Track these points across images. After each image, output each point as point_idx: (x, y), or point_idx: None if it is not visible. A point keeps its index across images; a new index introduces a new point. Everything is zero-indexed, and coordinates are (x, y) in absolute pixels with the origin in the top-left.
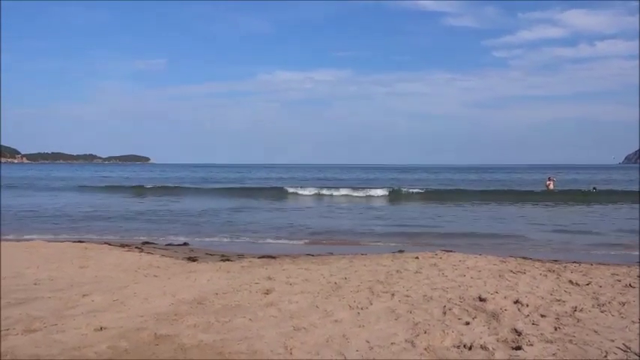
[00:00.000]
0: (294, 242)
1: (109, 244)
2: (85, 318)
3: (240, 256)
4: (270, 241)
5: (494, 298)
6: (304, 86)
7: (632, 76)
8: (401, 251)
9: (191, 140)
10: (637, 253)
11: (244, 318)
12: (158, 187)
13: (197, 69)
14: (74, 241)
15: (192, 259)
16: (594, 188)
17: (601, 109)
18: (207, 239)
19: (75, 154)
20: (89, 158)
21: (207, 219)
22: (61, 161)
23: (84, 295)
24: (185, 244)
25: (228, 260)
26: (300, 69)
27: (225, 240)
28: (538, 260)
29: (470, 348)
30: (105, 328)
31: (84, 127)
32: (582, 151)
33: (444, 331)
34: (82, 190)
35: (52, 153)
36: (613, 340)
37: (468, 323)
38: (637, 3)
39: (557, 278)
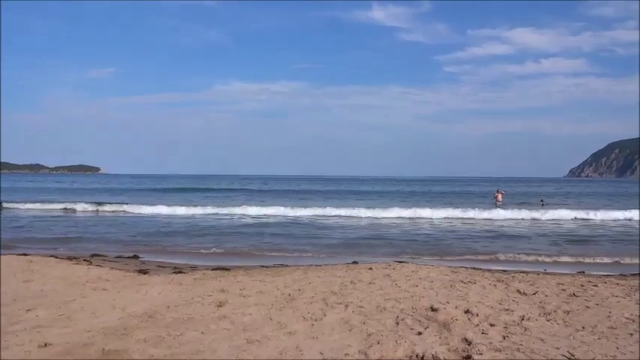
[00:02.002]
0: None
1: (56, 257)
2: (28, 334)
3: (193, 268)
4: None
5: (445, 308)
6: (260, 97)
7: (574, 92)
8: (355, 262)
9: (144, 150)
10: (585, 261)
11: (196, 331)
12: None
13: (152, 79)
14: (18, 254)
15: (144, 272)
16: (542, 201)
17: (547, 124)
18: (158, 251)
19: (20, 163)
20: (35, 168)
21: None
22: (6, 171)
23: (28, 310)
24: (135, 256)
25: (180, 272)
26: (256, 80)
27: (178, 252)
28: (488, 270)
29: (422, 358)
30: (50, 345)
31: (31, 137)
32: (531, 164)
33: (396, 342)
34: None
35: None
36: (558, 348)
37: (420, 333)
38: (580, 24)
39: (506, 288)
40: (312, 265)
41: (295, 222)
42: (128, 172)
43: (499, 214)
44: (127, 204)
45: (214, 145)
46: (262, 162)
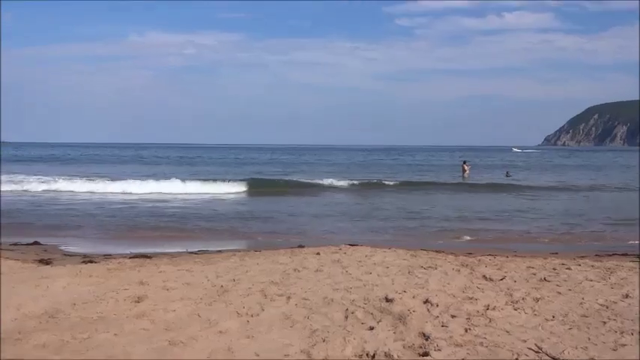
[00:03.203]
0: None
1: None
2: None
3: (107, 257)
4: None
5: (401, 298)
6: (185, 51)
7: (541, 51)
8: (301, 246)
9: (47, 116)
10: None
11: (108, 333)
12: None
13: (47, 25)
14: None
15: (46, 262)
16: (507, 173)
17: (515, 86)
18: (63, 237)
19: None
20: None
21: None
22: None
23: None
24: (36, 242)
25: (91, 262)
26: (179, 30)
27: (88, 236)
28: (451, 253)
29: (373, 357)
30: None
31: None
32: (502, 131)
33: (345, 339)
34: None
35: None
36: (525, 341)
37: (372, 328)
38: None
39: (471, 273)
40: (250, 250)
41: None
42: (30, 141)
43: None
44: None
45: (132, 108)
46: (190, 128)
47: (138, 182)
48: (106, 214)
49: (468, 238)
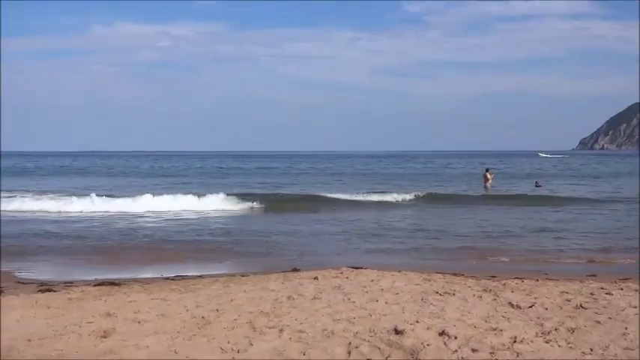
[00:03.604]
0: None
1: None
2: None
3: (68, 285)
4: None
5: (413, 330)
6: (158, 44)
7: (574, 40)
8: (295, 269)
9: (10, 119)
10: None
11: None
12: None
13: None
14: None
15: None
16: (537, 183)
17: (545, 81)
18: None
19: None
20: None
21: None
22: None
23: None
24: None
25: (49, 290)
26: (151, 20)
27: (46, 261)
28: (472, 277)
29: None
30: None
31: None
32: (525, 133)
33: None
34: None
35: None
36: None
37: None
38: None
39: (495, 300)
40: (236, 274)
41: None
42: None
43: None
44: None
45: (96, 111)
46: (165, 133)
47: (105, 198)
48: (66, 235)
49: (495, 258)
